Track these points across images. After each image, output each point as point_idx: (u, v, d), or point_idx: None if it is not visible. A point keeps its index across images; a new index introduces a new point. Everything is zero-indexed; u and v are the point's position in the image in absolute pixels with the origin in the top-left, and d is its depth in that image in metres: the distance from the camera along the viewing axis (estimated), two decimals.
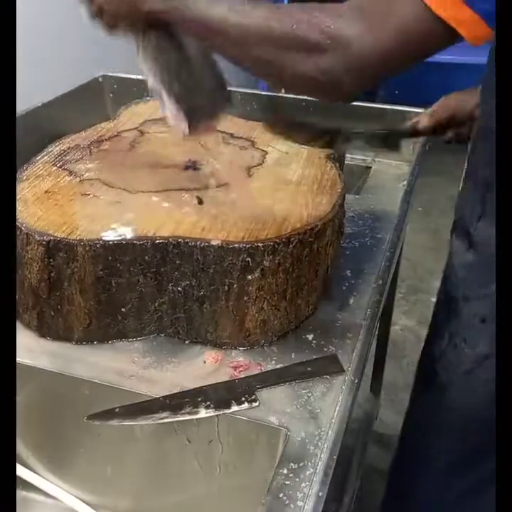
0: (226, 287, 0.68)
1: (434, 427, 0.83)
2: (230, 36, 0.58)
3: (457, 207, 0.74)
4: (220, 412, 0.64)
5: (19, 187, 0.77)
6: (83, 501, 0.75)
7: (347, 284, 0.82)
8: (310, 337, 0.74)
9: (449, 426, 0.81)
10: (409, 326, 1.99)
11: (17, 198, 0.74)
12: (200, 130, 0.72)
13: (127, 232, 0.69)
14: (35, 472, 0.76)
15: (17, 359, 0.66)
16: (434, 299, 0.85)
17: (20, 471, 0.73)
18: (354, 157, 1.14)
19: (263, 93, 1.24)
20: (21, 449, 0.76)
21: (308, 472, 0.57)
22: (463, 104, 0.86)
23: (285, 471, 0.58)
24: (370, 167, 1.14)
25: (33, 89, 1.05)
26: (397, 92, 2.15)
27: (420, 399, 0.88)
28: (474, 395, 0.75)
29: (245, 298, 0.69)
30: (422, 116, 0.89)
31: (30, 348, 0.72)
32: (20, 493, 0.79)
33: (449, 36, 0.50)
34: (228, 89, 0.73)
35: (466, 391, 0.76)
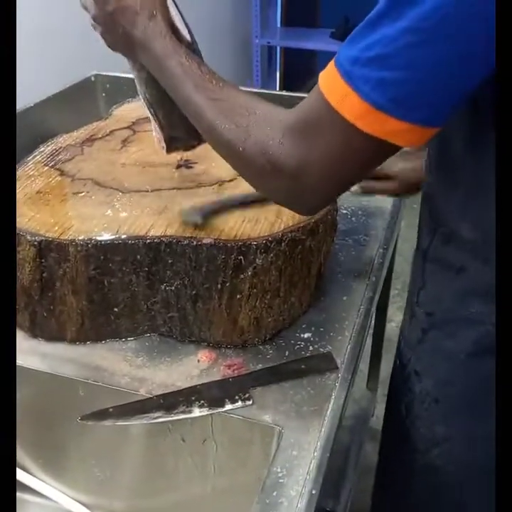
0: (219, 286, 0.68)
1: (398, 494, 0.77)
2: (188, 109, 0.58)
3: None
4: (214, 411, 0.64)
5: None
6: (78, 502, 0.75)
7: (340, 282, 0.82)
8: (303, 335, 0.74)
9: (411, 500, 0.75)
10: None
11: None
12: (180, 151, 0.77)
13: (119, 232, 0.69)
14: (30, 473, 0.76)
15: None
16: None
17: (16, 472, 0.72)
18: None
19: (257, 90, 1.24)
20: (16, 450, 0.76)
21: (301, 470, 0.57)
22: (414, 175, 0.79)
23: (279, 469, 0.58)
24: None
25: (25, 89, 1.05)
26: None
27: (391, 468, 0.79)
28: (437, 478, 0.69)
29: (238, 296, 0.69)
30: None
31: (23, 349, 0.72)
32: (16, 495, 0.79)
33: (386, 148, 0.46)
34: None
35: (428, 471, 0.69)
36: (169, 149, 0.75)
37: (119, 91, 1.18)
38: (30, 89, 1.06)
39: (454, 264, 0.59)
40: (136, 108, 1.02)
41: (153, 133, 0.75)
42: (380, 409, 1.55)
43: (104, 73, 1.25)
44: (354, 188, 0.78)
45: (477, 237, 0.55)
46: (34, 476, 0.75)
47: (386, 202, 0.99)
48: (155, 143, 0.75)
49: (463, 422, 0.64)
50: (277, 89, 3.15)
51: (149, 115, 0.73)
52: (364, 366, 1.49)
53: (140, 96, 0.72)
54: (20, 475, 0.75)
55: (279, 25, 3.11)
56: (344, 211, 0.97)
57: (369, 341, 1.44)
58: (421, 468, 0.69)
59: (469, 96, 0.44)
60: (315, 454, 0.58)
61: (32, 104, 1.05)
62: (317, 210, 0.57)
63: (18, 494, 0.78)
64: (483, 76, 0.42)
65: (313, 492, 0.54)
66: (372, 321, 1.23)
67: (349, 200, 1.00)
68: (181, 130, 0.72)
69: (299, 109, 0.49)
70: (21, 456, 0.76)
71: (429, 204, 0.61)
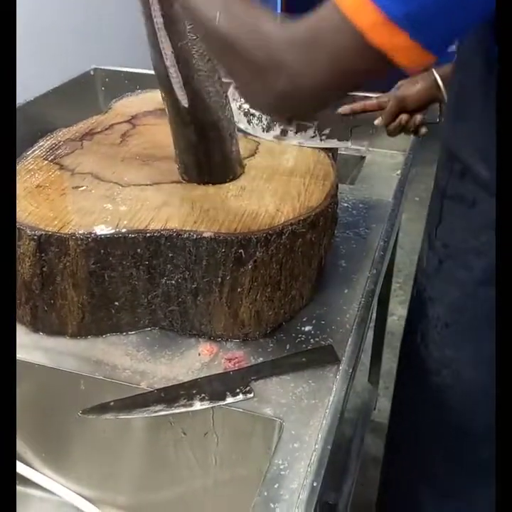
0: (219, 279, 0.68)
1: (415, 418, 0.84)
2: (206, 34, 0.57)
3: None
4: (215, 404, 0.64)
5: None
6: (80, 495, 0.75)
7: (341, 275, 0.82)
8: (304, 328, 0.74)
9: (425, 420, 0.82)
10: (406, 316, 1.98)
11: None
12: None
13: (119, 226, 0.68)
14: (32, 467, 0.76)
15: None
16: None
17: (18, 466, 0.73)
18: (348, 147, 1.14)
19: None
20: (18, 444, 0.76)
21: (303, 462, 0.57)
22: (412, 93, 0.88)
23: (280, 462, 0.58)
24: (365, 157, 1.14)
25: (24, 83, 1.04)
26: None
27: (399, 384, 0.91)
28: (446, 394, 0.76)
29: (239, 290, 0.69)
30: (378, 116, 0.91)
31: (24, 344, 0.72)
32: (18, 489, 0.79)
33: (386, 64, 0.47)
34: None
35: (438, 390, 0.76)
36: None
37: (118, 85, 1.18)
38: (29, 84, 1.06)
39: (468, 198, 0.65)
40: (135, 102, 1.02)
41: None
42: (381, 403, 1.56)
43: (104, 67, 1.24)
44: (344, 108, 0.87)
45: (488, 172, 0.60)
46: (36, 470, 0.76)
47: (387, 195, 0.99)
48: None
49: (470, 345, 0.70)
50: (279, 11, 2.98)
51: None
52: (366, 359, 1.49)
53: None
54: (23, 469, 0.75)
55: (279, 11, 3.03)
56: (345, 204, 0.97)
57: (370, 334, 1.44)
58: (433, 387, 0.76)
59: (464, 33, 0.49)
60: (316, 446, 0.58)
61: (32, 99, 1.05)
62: (302, 116, 0.59)
63: (20, 488, 0.78)
64: (483, 14, 0.45)
65: (315, 484, 0.54)
66: (374, 314, 1.23)
67: (351, 193, 1.00)
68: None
69: (310, 17, 0.50)
70: (23, 450, 0.76)
71: (446, 144, 0.67)
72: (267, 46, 0.50)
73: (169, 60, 0.68)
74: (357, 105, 0.90)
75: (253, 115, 0.86)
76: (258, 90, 0.53)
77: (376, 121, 0.90)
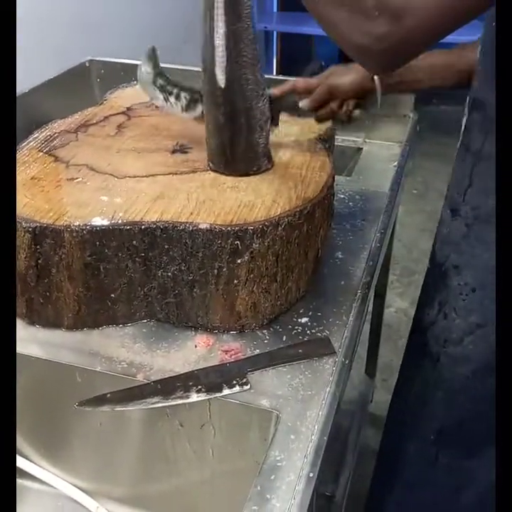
0: (215, 271, 0.68)
1: (421, 398, 0.84)
2: None
3: (450, 179, 0.76)
4: (212, 396, 0.64)
5: None
6: (77, 487, 0.75)
7: (338, 266, 0.82)
8: (301, 320, 0.74)
9: (437, 397, 0.82)
10: (404, 308, 1.99)
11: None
12: None
13: (115, 218, 0.68)
14: (29, 460, 0.76)
15: None
16: None
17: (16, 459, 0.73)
18: (345, 138, 1.14)
19: None
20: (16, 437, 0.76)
21: (299, 453, 0.57)
22: (344, 82, 0.86)
23: (277, 453, 0.58)
24: (361, 148, 1.14)
25: (19, 74, 1.04)
26: None
27: (410, 372, 0.88)
28: (465, 365, 0.76)
29: (235, 281, 0.69)
30: (303, 99, 0.87)
31: (20, 336, 0.71)
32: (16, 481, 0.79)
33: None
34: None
35: (456, 361, 0.77)
36: None
37: (113, 76, 1.17)
38: (24, 75, 1.05)
39: None
40: (131, 93, 1.01)
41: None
42: (378, 395, 1.56)
43: (99, 59, 1.24)
44: (273, 91, 0.84)
45: None
46: (33, 462, 0.76)
47: (384, 186, 0.98)
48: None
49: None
50: (274, 73, 3.13)
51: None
52: (362, 351, 1.49)
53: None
54: (20, 461, 0.75)
55: (275, 10, 3.08)
56: (341, 196, 0.97)
57: (367, 326, 1.44)
58: (450, 361, 0.77)
59: None
60: (313, 437, 0.58)
61: (27, 90, 1.05)
62: (394, 63, 0.61)
63: (17, 481, 0.78)
64: None
65: (311, 475, 0.54)
66: (371, 306, 1.23)
67: (347, 185, 1.00)
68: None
69: None
70: (20, 442, 0.76)
71: (481, 108, 0.66)
72: None
73: (219, 39, 0.68)
74: (285, 87, 0.87)
75: (170, 93, 0.82)
76: (360, 30, 0.55)
77: (301, 104, 0.86)
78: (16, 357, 0.67)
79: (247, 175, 0.77)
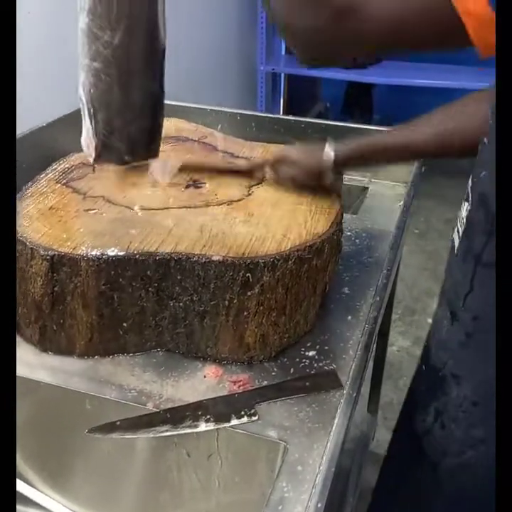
0: (226, 302, 0.70)
1: (422, 502, 0.77)
2: None
3: (446, 273, 0.69)
4: (220, 426, 0.65)
5: (24, 203, 0.78)
6: None
7: (345, 301, 0.84)
8: (308, 353, 0.75)
9: (438, 502, 0.75)
10: (406, 346, 1.99)
11: (22, 213, 0.76)
12: (111, 164, 0.73)
13: (130, 248, 0.70)
14: (33, 487, 0.76)
15: (18, 373, 0.67)
16: (429, 320, 0.85)
17: (19, 485, 0.73)
18: (352, 178, 1.17)
19: (262, 114, 1.26)
20: (20, 463, 0.76)
21: (307, 485, 0.58)
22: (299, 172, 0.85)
23: (284, 484, 0.58)
24: (367, 188, 1.17)
25: (36, 108, 1.07)
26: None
27: (403, 470, 0.79)
28: (469, 477, 0.69)
29: (245, 313, 0.70)
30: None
31: (32, 363, 0.73)
32: (19, 509, 0.79)
33: (458, 32, 0.47)
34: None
35: (459, 472, 0.69)
36: (98, 160, 0.67)
37: None
38: (41, 108, 1.09)
39: None
40: None
41: (83, 136, 0.66)
42: (380, 433, 1.55)
43: None
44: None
45: None
46: (37, 489, 0.75)
47: (389, 225, 1.01)
48: (83, 146, 0.66)
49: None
50: (281, 113, 3.20)
51: (84, 114, 0.64)
52: (365, 389, 1.49)
53: (79, 89, 0.63)
54: (24, 488, 0.75)
55: (283, 52, 3.16)
56: (348, 233, 0.99)
57: (370, 364, 1.44)
58: (450, 470, 0.69)
59: None
60: (320, 468, 0.59)
61: (44, 124, 1.08)
62: (328, 60, 0.60)
63: (20, 508, 0.78)
64: None
65: (319, 505, 0.54)
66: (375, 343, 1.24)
67: (354, 223, 1.02)
68: (122, 140, 0.65)
69: None
70: (26, 469, 0.76)
71: (485, 206, 0.60)
72: None
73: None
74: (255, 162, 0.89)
75: None
76: (306, 15, 0.53)
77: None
78: (27, 382, 0.69)
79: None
